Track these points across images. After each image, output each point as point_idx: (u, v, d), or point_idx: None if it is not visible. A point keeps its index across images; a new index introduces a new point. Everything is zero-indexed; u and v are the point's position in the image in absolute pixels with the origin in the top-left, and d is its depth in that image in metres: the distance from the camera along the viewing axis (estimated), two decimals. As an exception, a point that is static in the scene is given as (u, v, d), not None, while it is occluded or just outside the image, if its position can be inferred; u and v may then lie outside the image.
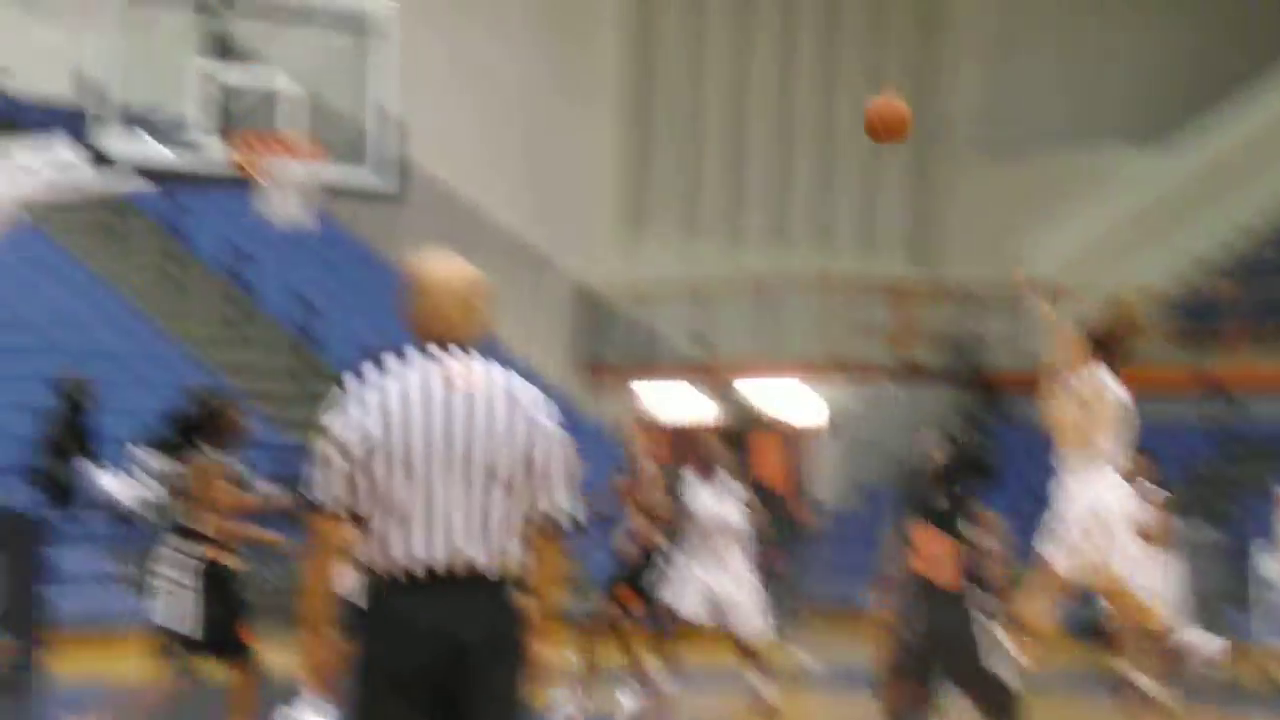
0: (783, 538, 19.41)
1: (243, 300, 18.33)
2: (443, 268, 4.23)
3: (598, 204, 22.49)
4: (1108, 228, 21.79)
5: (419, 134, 16.39)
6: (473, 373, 4.09)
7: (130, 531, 14.13)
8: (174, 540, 7.79)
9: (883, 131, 6.19)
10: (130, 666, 8.78)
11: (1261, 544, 13.72)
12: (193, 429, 7.86)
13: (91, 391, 14.56)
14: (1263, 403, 18.51)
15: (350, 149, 13.47)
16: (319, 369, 17.87)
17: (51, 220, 18.14)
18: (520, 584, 4.06)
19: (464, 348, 4.13)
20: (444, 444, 4.01)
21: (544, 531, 4.10)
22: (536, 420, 4.12)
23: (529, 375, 17.45)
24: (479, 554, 3.98)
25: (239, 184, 10.68)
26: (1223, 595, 13.53)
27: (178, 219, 18.62)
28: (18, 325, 16.19)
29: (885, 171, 24.30)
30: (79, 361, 15.31)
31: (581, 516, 4.16)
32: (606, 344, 21.62)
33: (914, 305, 21.79)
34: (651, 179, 23.07)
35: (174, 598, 7.59)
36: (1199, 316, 20.51)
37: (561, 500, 4.12)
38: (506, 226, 20.78)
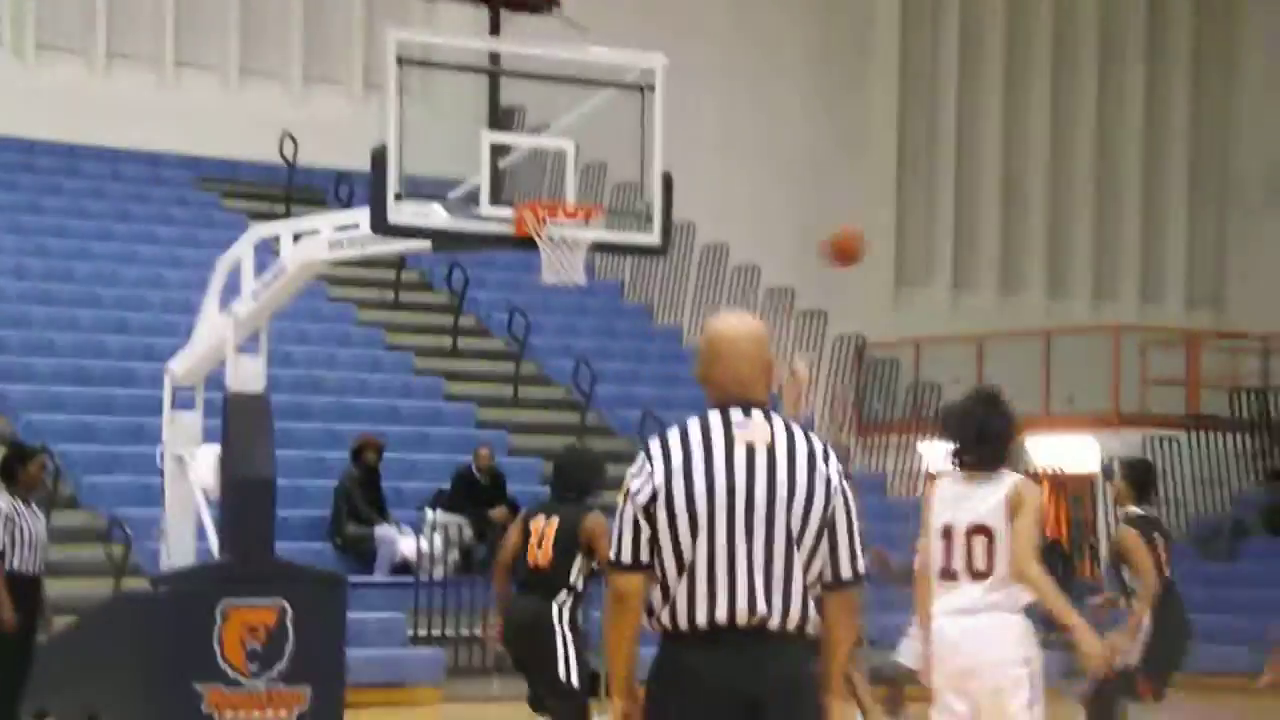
0: (1063, 589, 19.06)
1: (524, 362, 18.84)
2: (736, 326, 4.31)
3: (871, 258, 22.45)
4: None
5: (694, 196, 16.75)
6: (771, 431, 4.14)
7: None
8: None
9: (839, 256, 6.61)
10: None
11: None
12: None
13: (382, 453, 15.16)
14: None
15: (624, 209, 13.83)
16: (598, 428, 18.25)
17: (352, 294, 18.98)
18: (813, 643, 4.12)
19: (760, 407, 4.18)
20: (745, 504, 4.07)
21: (833, 588, 4.15)
22: (831, 478, 4.18)
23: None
24: (777, 613, 4.05)
25: (519, 245, 11.04)
26: None
27: (463, 286, 19.27)
28: (317, 389, 16.98)
29: (1169, 217, 23.73)
30: (373, 424, 15.98)
31: (864, 570, 4.25)
32: (882, 400, 21.54)
33: (1204, 354, 21.17)
34: (926, 230, 22.98)
35: None
36: None
37: (850, 556, 4.19)
38: (781, 285, 20.93)
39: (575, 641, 7.42)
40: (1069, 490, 21.26)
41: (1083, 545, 20.77)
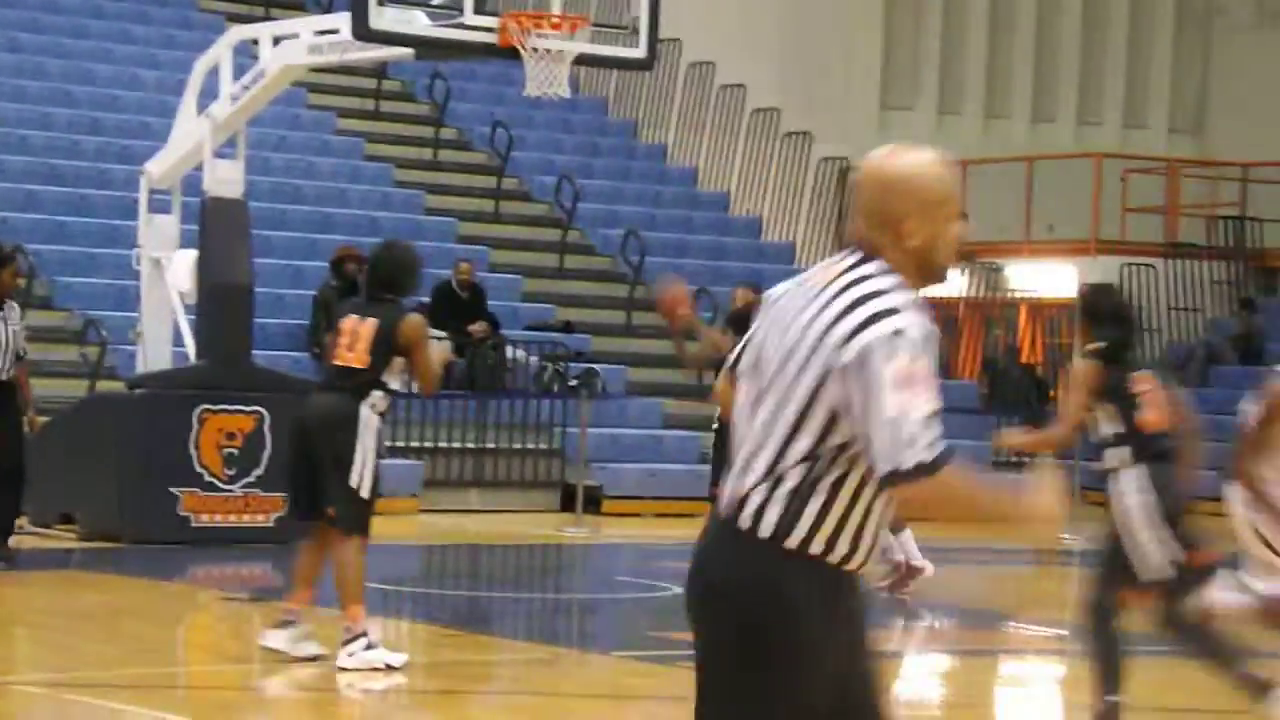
0: (1037, 414, 19.26)
1: (505, 177, 18.72)
2: (875, 162, 3.30)
3: (857, 82, 22.28)
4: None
5: (682, 13, 16.52)
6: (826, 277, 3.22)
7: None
8: None
9: None
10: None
11: None
12: None
13: (363, 265, 15.13)
14: None
15: (611, 22, 13.62)
16: (580, 246, 18.22)
17: (333, 102, 18.78)
18: (790, 553, 3.09)
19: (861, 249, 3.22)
20: (751, 364, 3.23)
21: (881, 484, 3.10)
22: (838, 345, 3.12)
23: (787, 256, 17.58)
24: (729, 502, 3.19)
25: (502, 56, 10.91)
26: None
27: (444, 97, 19.06)
28: (296, 198, 16.88)
29: (1154, 44, 23.50)
30: (353, 236, 15.92)
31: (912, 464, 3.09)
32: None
33: (1183, 182, 21.13)
34: (911, 55, 22.74)
35: None
36: None
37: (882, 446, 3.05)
38: (767, 105, 20.75)
39: (376, 448, 6.90)
40: (1047, 316, 21.37)
41: (1058, 370, 20.95)
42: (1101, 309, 6.33)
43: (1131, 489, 6.15)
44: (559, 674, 7.63)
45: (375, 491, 6.96)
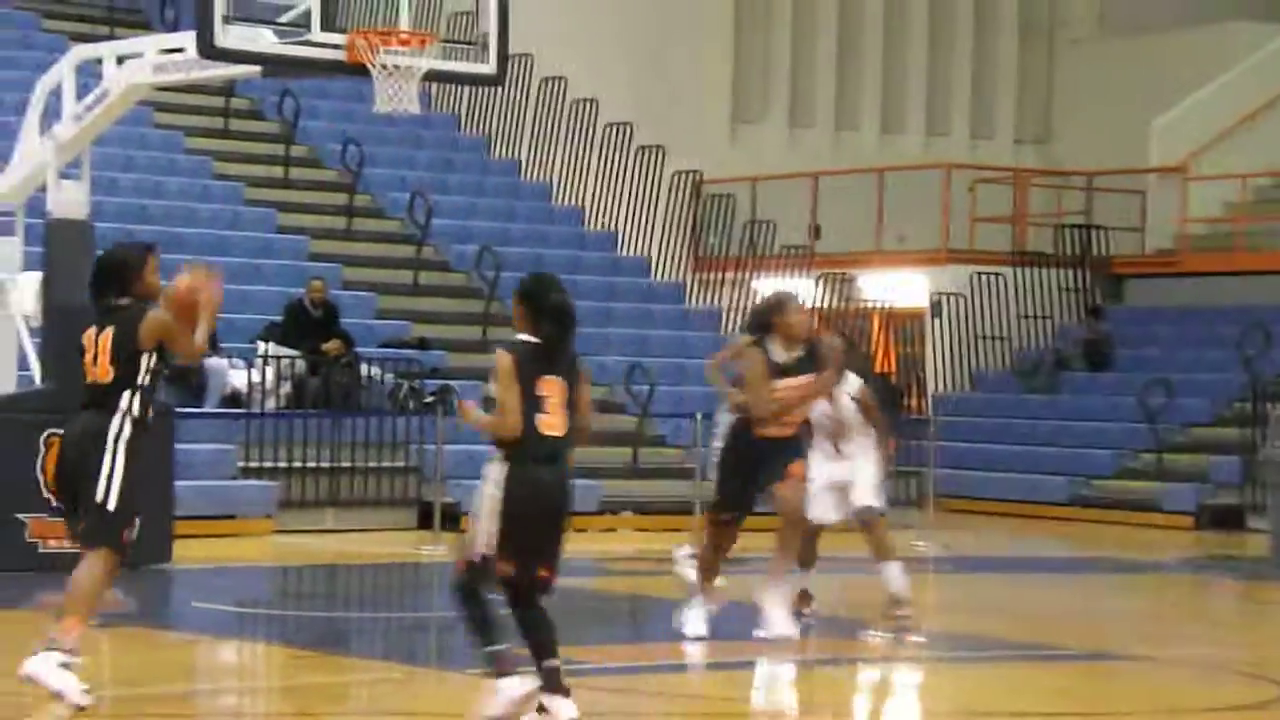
0: (893, 425, 19.49)
1: (358, 194, 18.57)
2: None
3: (709, 95, 22.42)
4: (1232, 108, 21.33)
5: (532, 27, 16.49)
6: None
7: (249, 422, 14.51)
8: None
9: None
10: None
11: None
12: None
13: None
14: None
15: (460, 38, 13.55)
16: (435, 262, 18.11)
17: (180, 121, 18.48)
18: None
19: None
20: None
21: None
22: None
23: (643, 270, 17.74)
24: None
25: (351, 72, 10.82)
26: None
27: (294, 115, 18.87)
28: (143, 218, 16.58)
29: (999, 56, 23.96)
30: (201, 254, 15.66)
31: None
32: (718, 236, 21.64)
33: (1030, 191, 21.57)
34: (762, 68, 22.95)
35: None
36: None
37: None
38: (620, 120, 20.81)
39: (127, 462, 6.67)
40: (898, 325, 21.66)
41: (910, 380, 21.23)
42: (546, 304, 6.36)
43: (491, 479, 6.40)
44: (416, 693, 7.56)
45: (129, 505, 6.73)
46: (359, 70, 10.60)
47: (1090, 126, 23.02)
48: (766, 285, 21.39)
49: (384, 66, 10.50)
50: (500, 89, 17.16)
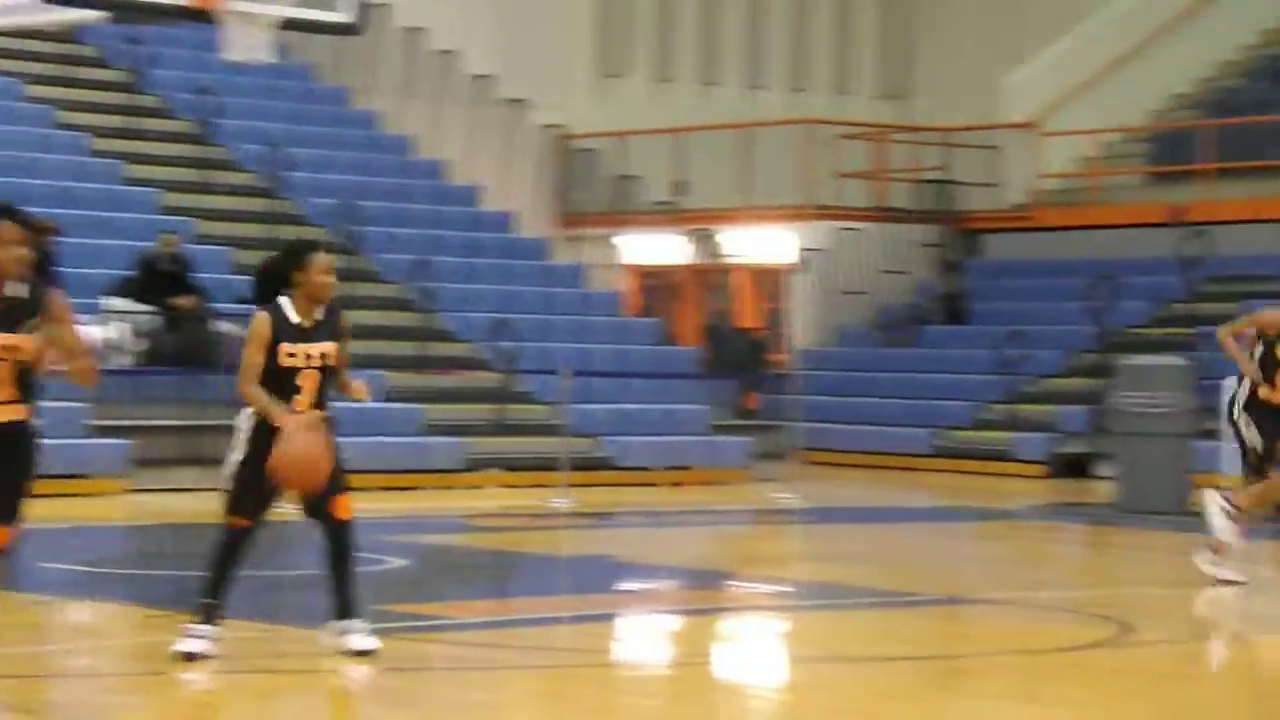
0: (756, 378, 19.62)
1: (211, 146, 18.19)
2: None
3: (573, 49, 22.27)
4: (1085, 64, 21.65)
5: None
6: None
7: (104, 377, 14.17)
8: None
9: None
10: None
11: (1231, 376, 13.87)
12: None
13: (59, 237, 14.51)
14: (1232, 235, 18.60)
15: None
16: (292, 216, 17.81)
17: (19, 68, 17.95)
18: None
19: None
20: None
21: None
22: None
23: (505, 225, 17.56)
24: None
25: (199, 18, 10.56)
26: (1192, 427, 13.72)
27: (144, 64, 18.41)
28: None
29: (861, 12, 24.09)
30: (45, 207, 15.24)
31: None
32: (583, 191, 21.55)
33: (890, 146, 21.75)
34: (626, 22, 22.84)
35: None
36: (1172, 151, 20.53)
37: None
38: (483, 72, 20.59)
39: None
40: (764, 281, 21.76)
41: (776, 334, 21.36)
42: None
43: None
44: (276, 650, 7.44)
45: None
46: (207, 16, 10.36)
47: (948, 82, 23.25)
48: (630, 240, 21.39)
49: (233, 13, 10.26)
50: (359, 39, 16.90)
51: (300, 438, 6.64)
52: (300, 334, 6.81)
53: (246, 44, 10.38)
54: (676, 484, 15.83)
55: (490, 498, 14.39)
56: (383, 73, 20.32)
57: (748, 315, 21.77)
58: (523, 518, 13.02)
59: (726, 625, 8.74)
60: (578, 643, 7.89)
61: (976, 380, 18.72)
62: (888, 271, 20.85)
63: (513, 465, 15.38)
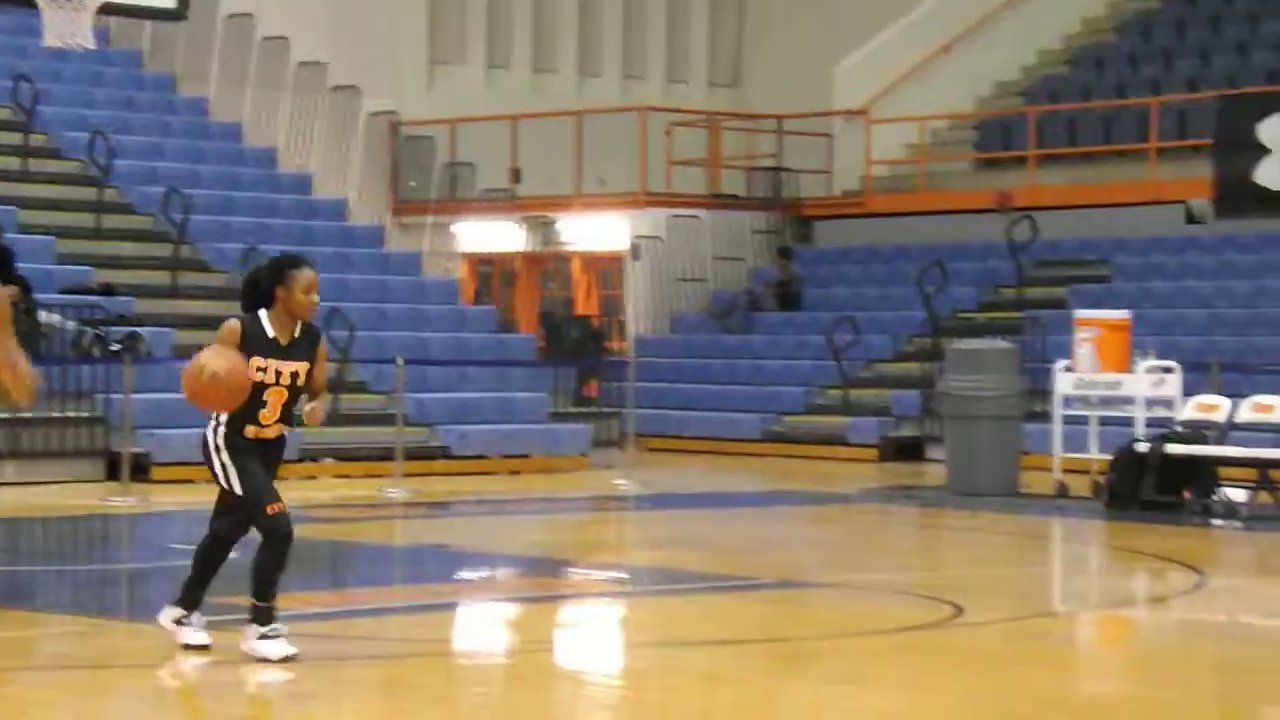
0: (593, 365, 19.65)
1: (33, 133, 17.72)
2: None
3: (404, 35, 22.07)
4: (912, 52, 21.99)
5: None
6: None
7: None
8: None
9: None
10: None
11: (1059, 360, 14.22)
12: None
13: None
14: (1057, 220, 19.06)
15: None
16: (117, 205, 17.43)
17: None
18: None
19: None
20: None
21: None
22: None
23: (338, 213, 17.36)
24: None
25: (17, 3, 10.26)
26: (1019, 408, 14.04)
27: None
28: None
29: (692, 0, 24.20)
30: None
31: None
32: (417, 179, 21.38)
33: (724, 134, 21.90)
34: (458, 9, 22.70)
35: None
36: (998, 138, 20.97)
37: None
38: (312, 59, 20.32)
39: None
40: (599, 268, 21.80)
41: (612, 321, 21.41)
42: None
43: None
44: (108, 645, 7.28)
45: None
46: (26, 1, 10.07)
47: (780, 70, 23.49)
48: (465, 228, 21.27)
49: (54, -3, 10.00)
50: (185, 25, 16.58)
51: (219, 355, 6.45)
52: (274, 350, 6.60)
53: (67, 30, 10.11)
54: (514, 472, 15.80)
55: (325, 488, 14.24)
56: (210, 59, 19.96)
57: (584, 303, 21.80)
58: (358, 508, 12.90)
59: (564, 612, 8.74)
60: (415, 633, 7.84)
61: (810, 365, 18.96)
62: (722, 258, 21.02)
63: (347, 455, 15.23)
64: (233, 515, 6.81)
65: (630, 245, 20.44)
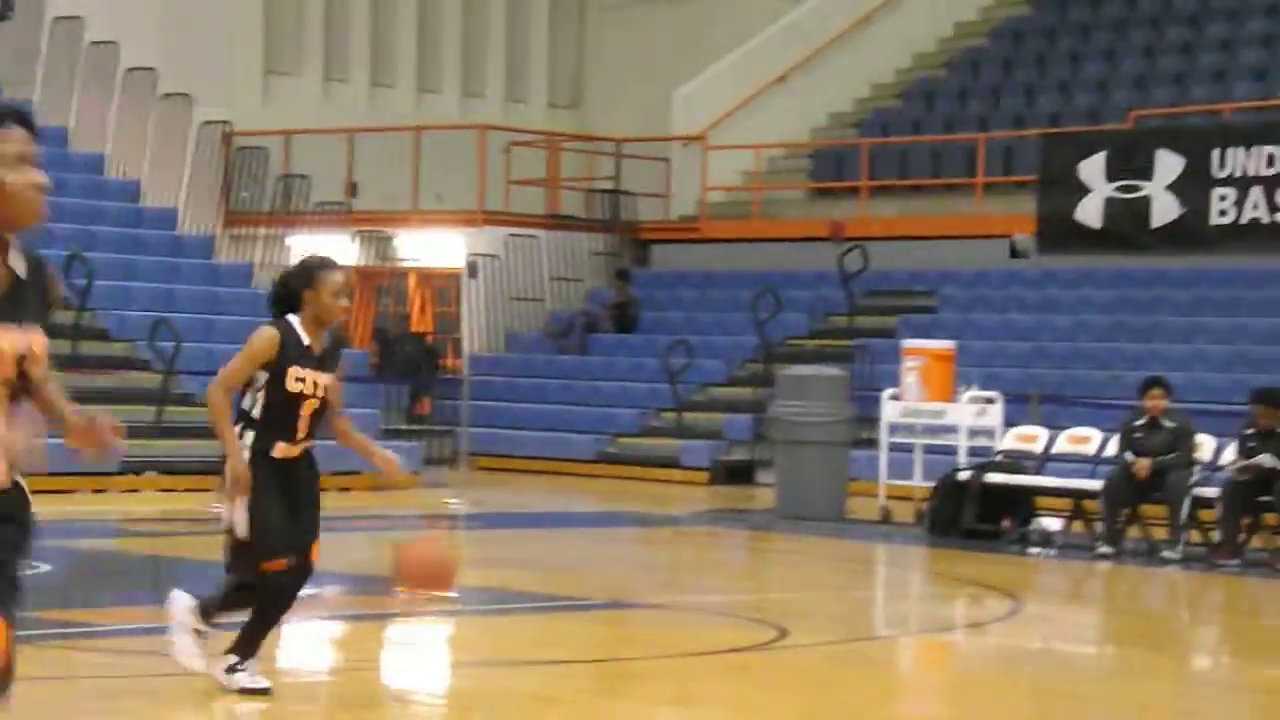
0: (427, 383, 19.53)
1: None
2: None
3: (239, 45, 21.77)
4: (749, 80, 22.25)
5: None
6: None
7: None
8: None
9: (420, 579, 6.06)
10: None
11: (886, 389, 14.46)
12: None
13: None
14: (887, 251, 19.39)
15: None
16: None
17: None
18: None
19: None
20: None
21: None
22: None
23: (169, 222, 17.01)
24: None
25: None
26: (848, 435, 14.23)
27: None
28: None
29: (532, 20, 24.25)
30: None
31: None
32: (250, 190, 21.08)
33: (562, 155, 21.95)
34: (295, 19, 22.46)
35: None
36: (831, 168, 21.30)
37: None
38: (142, 65, 19.93)
39: None
40: (435, 285, 21.68)
41: (447, 339, 21.30)
42: None
43: None
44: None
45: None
46: None
47: (620, 93, 23.61)
48: (299, 241, 21.04)
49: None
50: (10, 26, 16.17)
51: (426, 543, 5.99)
52: (310, 358, 6.14)
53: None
54: (344, 489, 15.63)
55: (147, 502, 13.94)
56: (36, 63, 19.49)
57: (419, 319, 21.65)
58: (182, 522, 12.65)
59: (391, 631, 8.67)
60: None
61: (644, 388, 19.05)
62: (559, 279, 21.03)
63: (171, 469, 14.93)
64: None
65: (467, 263, 20.37)
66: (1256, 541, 11.93)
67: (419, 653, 8.13)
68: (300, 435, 6.14)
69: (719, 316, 19.95)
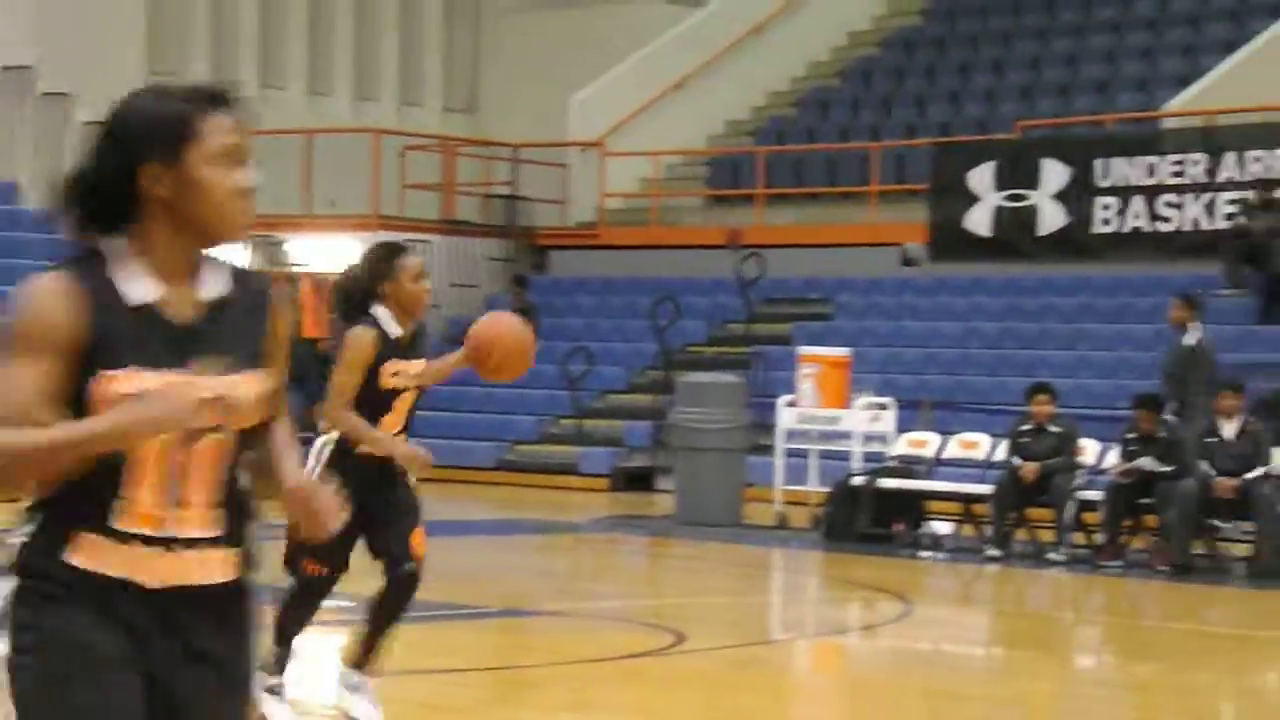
0: (320, 389, 19.34)
1: None
2: None
3: (123, 44, 21.44)
4: (647, 86, 22.27)
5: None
6: None
7: None
8: None
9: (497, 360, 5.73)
10: None
11: (782, 395, 14.52)
12: None
13: None
14: (784, 258, 19.49)
15: None
16: None
17: None
18: None
19: None
20: None
21: None
22: None
23: (49, 224, 16.65)
24: None
25: None
26: (745, 442, 14.27)
27: None
28: None
29: (426, 23, 24.10)
30: None
31: None
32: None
33: (458, 160, 21.83)
34: (181, 18, 22.15)
35: None
36: (728, 176, 21.37)
37: None
38: (19, 63, 19.56)
39: None
40: (329, 291, 21.45)
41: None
42: None
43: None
44: None
45: None
46: None
47: (517, 98, 23.52)
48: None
49: None
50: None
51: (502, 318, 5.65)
52: (400, 351, 5.95)
53: None
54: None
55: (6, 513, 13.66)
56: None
57: (312, 325, 21.43)
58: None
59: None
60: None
61: (543, 395, 18.98)
62: (456, 285, 20.91)
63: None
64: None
65: (361, 269, 20.21)
66: (1138, 543, 12.12)
67: (309, 661, 8.02)
68: (398, 429, 6.03)
69: (618, 323, 19.93)
